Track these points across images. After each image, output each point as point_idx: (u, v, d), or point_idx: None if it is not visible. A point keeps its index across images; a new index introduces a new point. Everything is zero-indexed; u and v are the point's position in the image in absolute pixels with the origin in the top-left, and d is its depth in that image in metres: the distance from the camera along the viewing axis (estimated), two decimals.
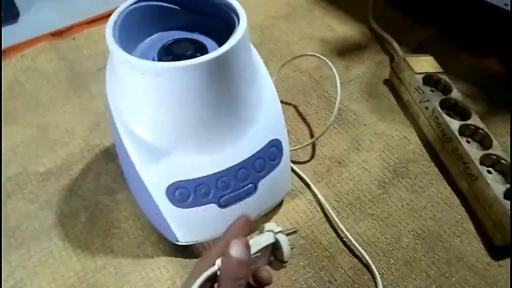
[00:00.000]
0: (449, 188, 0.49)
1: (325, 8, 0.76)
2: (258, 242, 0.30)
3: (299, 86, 0.62)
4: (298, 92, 0.61)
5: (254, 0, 0.78)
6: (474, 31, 0.69)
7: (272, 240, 0.30)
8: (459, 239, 0.45)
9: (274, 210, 0.47)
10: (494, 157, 0.46)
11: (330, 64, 0.53)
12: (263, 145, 0.40)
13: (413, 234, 0.45)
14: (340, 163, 0.52)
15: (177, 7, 0.40)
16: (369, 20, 0.71)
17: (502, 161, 0.46)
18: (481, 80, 0.62)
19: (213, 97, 0.34)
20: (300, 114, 0.58)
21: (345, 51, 0.68)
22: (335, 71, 0.52)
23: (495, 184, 0.43)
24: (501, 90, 0.60)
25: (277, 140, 0.41)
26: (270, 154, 0.41)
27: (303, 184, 0.50)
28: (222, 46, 0.32)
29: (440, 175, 0.50)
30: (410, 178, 0.50)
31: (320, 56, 0.55)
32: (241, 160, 0.39)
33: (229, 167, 0.38)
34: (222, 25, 0.38)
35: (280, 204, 0.48)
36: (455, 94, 0.54)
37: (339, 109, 0.58)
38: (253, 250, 0.29)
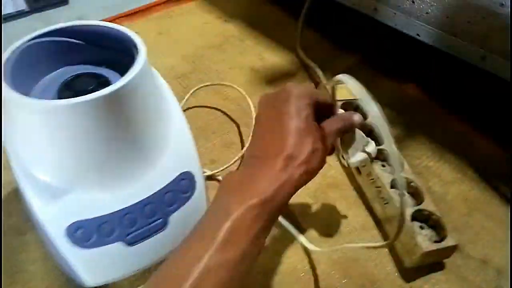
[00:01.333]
0: (366, 212, 0.50)
1: (257, 38, 0.78)
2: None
3: (228, 114, 0.63)
4: (226, 121, 0.62)
5: (187, 30, 0.79)
6: (395, 58, 0.73)
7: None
8: (373, 262, 0.46)
9: None
10: (405, 180, 0.48)
11: (244, 93, 0.55)
12: (173, 179, 0.40)
13: (328, 260, 0.46)
14: None
15: (80, 42, 0.40)
16: (297, 49, 0.74)
17: (412, 183, 0.48)
18: (401, 105, 0.65)
19: (109, 133, 0.34)
20: (227, 142, 0.59)
21: (274, 79, 0.70)
22: (250, 101, 0.54)
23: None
24: (419, 115, 0.64)
25: (188, 172, 0.41)
26: (181, 186, 0.40)
27: None
28: (112, 85, 0.32)
29: (358, 199, 0.52)
30: (329, 203, 0.51)
31: (235, 86, 0.58)
32: (148, 195, 0.38)
33: (135, 203, 0.37)
34: (127, 59, 0.38)
35: None
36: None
37: None
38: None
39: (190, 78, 0.69)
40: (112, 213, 0.37)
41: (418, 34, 0.64)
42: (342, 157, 0.48)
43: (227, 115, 0.63)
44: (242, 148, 0.57)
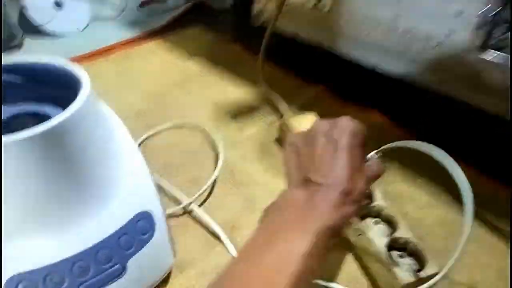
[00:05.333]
0: (342, 244, 0.48)
1: (219, 74, 0.78)
2: None
3: (192, 149, 0.60)
4: (190, 157, 0.59)
5: (147, 69, 0.78)
6: (357, 87, 0.73)
7: None
8: None
9: None
10: (375, 207, 0.46)
11: (207, 129, 0.53)
12: (128, 220, 0.36)
13: None
14: (234, 226, 0.49)
15: (17, 81, 0.37)
16: (260, 83, 0.73)
17: (385, 210, 0.46)
18: (367, 131, 0.64)
19: (49, 174, 0.30)
20: (192, 178, 0.55)
21: (238, 113, 0.68)
22: (212, 136, 0.52)
23: (378, 238, 0.43)
24: (385, 140, 0.63)
25: (146, 212, 0.38)
26: (139, 228, 0.37)
27: (193, 256, 0.46)
28: (47, 122, 0.29)
29: None
30: None
31: (200, 125, 0.56)
32: (100, 240, 0.34)
33: (86, 249, 0.34)
34: (72, 95, 0.36)
35: (165, 280, 0.43)
36: None
37: (231, 170, 0.57)
38: None
39: (151, 115, 0.66)
40: (59, 261, 0.32)
41: (376, 64, 0.65)
42: None
43: (190, 151, 0.60)
44: (206, 185, 0.53)
